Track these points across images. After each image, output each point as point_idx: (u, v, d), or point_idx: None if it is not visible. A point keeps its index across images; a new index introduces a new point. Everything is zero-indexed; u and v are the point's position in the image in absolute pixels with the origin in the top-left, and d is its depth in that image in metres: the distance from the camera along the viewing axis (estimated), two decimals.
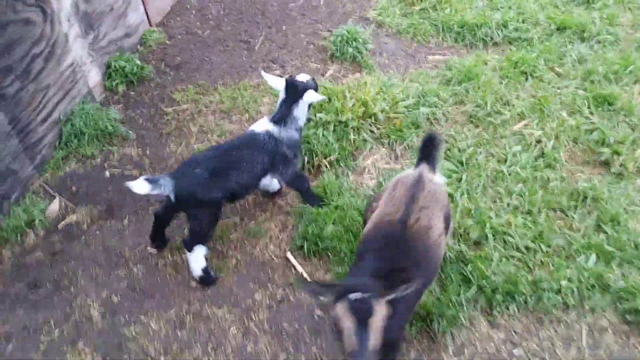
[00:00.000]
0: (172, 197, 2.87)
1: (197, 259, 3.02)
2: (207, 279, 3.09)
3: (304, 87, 3.19)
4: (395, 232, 2.38)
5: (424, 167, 2.66)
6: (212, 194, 2.90)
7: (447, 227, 2.67)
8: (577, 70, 4.45)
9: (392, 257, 2.33)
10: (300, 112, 3.21)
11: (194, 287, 3.12)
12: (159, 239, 3.22)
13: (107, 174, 3.77)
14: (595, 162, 3.73)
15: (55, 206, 3.54)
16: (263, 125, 3.17)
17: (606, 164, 3.69)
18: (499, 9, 5.14)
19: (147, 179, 2.76)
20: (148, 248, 3.30)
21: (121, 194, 3.64)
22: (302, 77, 3.26)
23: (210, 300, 3.06)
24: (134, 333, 2.92)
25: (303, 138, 3.59)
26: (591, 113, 4.02)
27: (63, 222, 3.46)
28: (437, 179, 2.71)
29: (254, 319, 2.98)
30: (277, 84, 3.27)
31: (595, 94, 4.12)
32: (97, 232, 3.42)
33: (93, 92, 4.23)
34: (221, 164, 2.95)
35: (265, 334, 2.92)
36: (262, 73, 3.40)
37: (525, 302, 2.97)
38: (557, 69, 4.49)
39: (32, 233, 3.39)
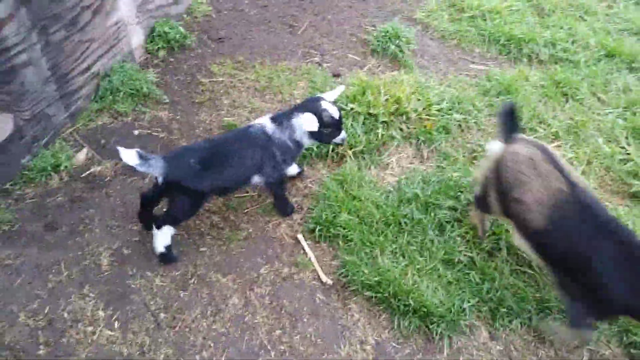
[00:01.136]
0: (160, 179, 2.87)
1: (163, 237, 3.00)
2: (167, 258, 3.06)
3: (309, 109, 3.05)
4: (583, 199, 2.51)
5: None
6: (200, 185, 2.89)
7: None
8: (620, 99, 4.35)
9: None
10: (298, 125, 3.08)
11: (202, 251, 3.17)
12: (145, 218, 3.16)
13: (136, 132, 3.84)
14: (625, 193, 3.64)
15: (82, 155, 3.63)
16: (262, 119, 3.14)
17: (635, 196, 3.60)
18: (549, 27, 5.05)
19: (139, 153, 2.73)
20: (164, 209, 3.36)
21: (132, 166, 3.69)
22: (327, 105, 3.08)
23: (217, 267, 3.10)
24: (138, 286, 2.98)
25: None
26: (628, 144, 3.92)
27: (88, 172, 3.54)
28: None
29: (256, 291, 3.00)
30: (328, 95, 3.21)
31: (635, 125, 4.02)
32: (118, 186, 3.49)
33: (134, 53, 4.32)
34: (214, 157, 2.92)
35: (265, 308, 2.94)
36: (340, 87, 3.30)
37: (529, 319, 2.92)
38: (600, 95, 4.40)
39: (56, 177, 3.48)
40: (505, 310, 2.92)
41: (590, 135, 3.99)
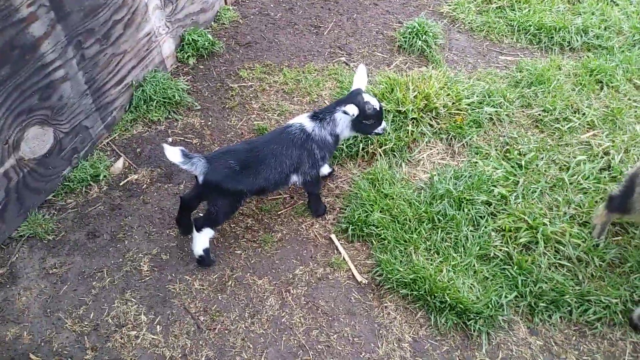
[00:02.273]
0: (200, 179, 2.93)
1: (203, 239, 3.07)
2: (205, 261, 3.13)
3: (352, 100, 3.08)
4: None
5: None
6: (238, 186, 2.94)
7: None
8: None
9: None
10: (340, 118, 3.13)
11: (238, 254, 3.22)
12: (184, 223, 3.24)
13: (170, 139, 3.94)
14: None
15: (119, 164, 3.74)
16: (299, 119, 3.18)
17: None
18: (581, 14, 4.93)
19: (183, 151, 2.81)
20: (200, 214, 3.43)
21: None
22: (369, 98, 3.12)
23: (253, 269, 3.15)
24: (178, 290, 3.06)
25: None
26: None
27: (125, 180, 3.65)
28: None
29: (292, 292, 3.04)
30: (356, 83, 3.23)
31: None
32: (155, 193, 3.59)
33: (165, 62, 4.42)
34: (252, 158, 2.97)
35: (301, 308, 2.97)
36: (361, 66, 3.29)
37: (570, 313, 2.87)
38: (636, 81, 4.26)
39: (96, 187, 3.60)
40: (544, 304, 2.87)
41: (627, 123, 3.87)
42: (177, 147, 2.81)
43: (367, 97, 3.11)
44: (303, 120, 3.15)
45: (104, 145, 3.88)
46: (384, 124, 3.26)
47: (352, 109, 3.00)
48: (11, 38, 2.93)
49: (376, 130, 3.26)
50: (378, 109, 3.13)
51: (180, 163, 2.82)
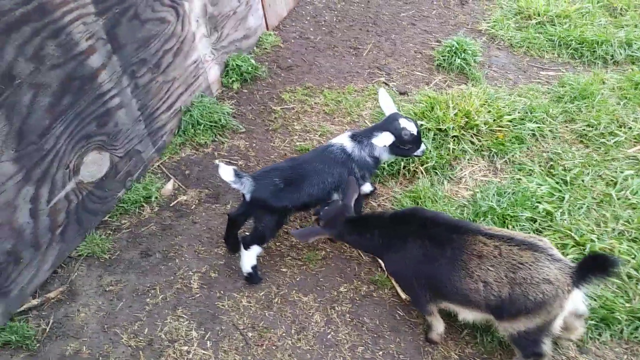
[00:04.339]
0: (248, 197, 3.04)
1: (251, 256, 3.17)
2: (253, 278, 3.23)
3: (388, 127, 3.13)
4: None
5: None
6: (282, 203, 3.04)
7: None
8: None
9: None
10: (377, 144, 3.15)
11: (283, 272, 3.31)
12: (231, 241, 3.36)
13: (216, 161, 4.09)
14: None
15: (169, 186, 3.91)
16: (340, 139, 3.26)
17: None
18: (623, 27, 4.86)
19: (235, 171, 2.94)
20: (246, 233, 3.54)
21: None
22: (406, 123, 3.15)
23: (298, 287, 3.23)
24: (226, 307, 3.16)
25: None
26: None
27: (175, 201, 3.82)
28: None
29: (337, 309, 3.10)
30: (386, 108, 3.29)
31: None
32: (203, 213, 3.73)
33: (211, 87, 4.61)
34: (296, 175, 3.07)
35: (347, 325, 3.02)
36: (381, 90, 3.38)
37: (621, 332, 2.81)
38: None
39: (148, 208, 3.78)
40: (593, 322, 2.82)
41: None
42: (230, 167, 2.95)
43: (403, 123, 3.15)
44: (344, 140, 3.23)
45: (155, 168, 4.07)
46: (423, 146, 3.30)
47: (385, 140, 3.06)
48: (72, 70, 3.15)
49: (415, 153, 3.30)
50: (415, 134, 3.16)
51: (232, 182, 2.96)
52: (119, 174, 3.73)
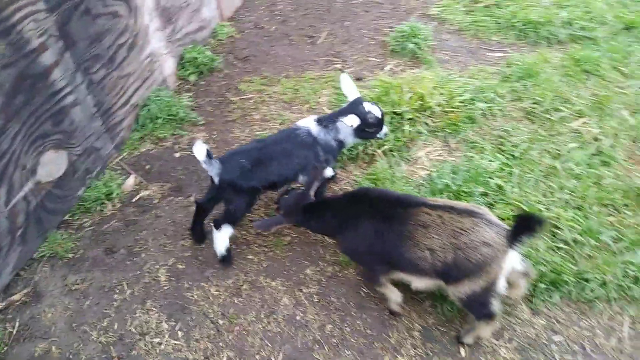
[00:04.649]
0: (216, 180, 3.11)
1: (224, 238, 3.24)
2: (227, 259, 3.32)
3: (354, 110, 3.24)
4: None
5: None
6: (251, 183, 3.12)
7: None
8: None
9: None
10: (343, 127, 3.27)
11: (250, 259, 3.38)
12: (198, 231, 3.43)
13: (177, 155, 4.10)
14: None
15: (130, 182, 3.90)
16: (306, 122, 3.34)
17: None
18: (565, 7, 5.09)
19: (208, 152, 3.00)
20: (210, 224, 3.59)
21: (189, 174, 3.96)
22: (370, 106, 3.27)
23: (265, 272, 3.30)
24: (195, 297, 3.20)
25: None
26: None
27: (137, 196, 3.81)
28: None
29: (304, 291, 3.19)
30: (349, 93, 3.39)
31: None
32: (167, 206, 3.75)
33: (167, 81, 4.60)
34: (262, 156, 3.15)
35: (315, 305, 3.12)
36: (343, 76, 3.47)
37: (569, 293, 3.01)
38: (622, 69, 4.42)
39: (109, 204, 3.76)
40: (544, 285, 3.01)
41: (615, 109, 4.02)
42: (205, 145, 2.99)
43: (368, 106, 3.27)
44: (310, 124, 3.31)
45: (115, 164, 4.05)
46: (385, 129, 3.42)
47: (353, 120, 3.18)
48: (24, 68, 3.11)
49: (378, 135, 3.42)
50: (380, 116, 3.29)
51: (203, 162, 3.01)
52: (78, 172, 3.70)
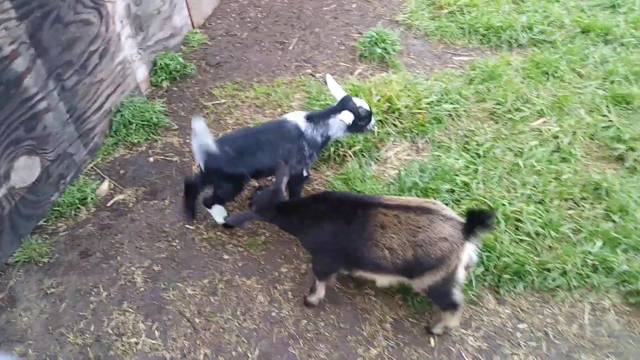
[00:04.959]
0: (203, 167, 3.26)
1: (218, 211, 3.52)
2: (228, 225, 3.58)
3: (346, 107, 3.41)
4: None
5: None
6: (236, 169, 3.25)
7: None
8: (598, 71, 4.60)
9: None
10: (334, 123, 3.42)
11: (226, 259, 3.44)
12: (189, 208, 3.58)
13: (151, 159, 4.15)
14: (611, 158, 3.88)
15: (105, 186, 3.93)
16: (295, 117, 3.46)
17: (621, 159, 3.84)
18: (525, 13, 5.32)
19: (207, 128, 3.14)
20: (186, 225, 3.65)
21: (163, 178, 4.00)
22: (359, 102, 3.46)
23: (241, 271, 3.37)
24: (172, 297, 3.26)
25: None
26: (609, 111, 4.16)
27: (112, 201, 3.85)
28: None
29: (279, 288, 3.27)
30: (336, 93, 3.53)
31: (614, 94, 4.26)
32: (142, 210, 3.79)
33: (140, 87, 4.64)
34: (248, 144, 3.28)
35: (289, 302, 3.20)
36: (328, 77, 3.64)
37: (532, 282, 3.16)
38: (579, 70, 4.64)
39: (84, 209, 3.79)
40: (508, 276, 3.16)
41: (573, 109, 4.23)
42: (203, 121, 3.14)
43: (358, 102, 3.46)
44: (298, 119, 3.42)
45: (89, 169, 4.07)
46: (373, 120, 3.59)
47: (349, 117, 3.36)
48: None
49: (368, 127, 3.58)
50: (369, 109, 3.49)
51: (196, 136, 3.14)
52: (52, 178, 3.72)
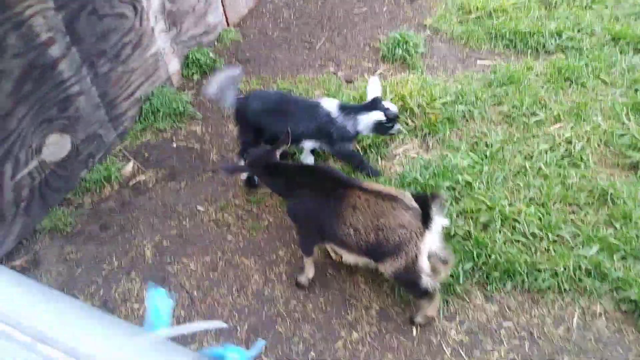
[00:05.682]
0: (232, 110, 3.81)
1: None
2: (248, 183, 3.94)
3: (376, 107, 3.59)
4: None
5: None
6: (261, 125, 3.64)
7: None
8: (624, 79, 4.49)
9: None
10: (363, 119, 3.61)
11: (229, 240, 3.65)
12: (247, 181, 3.98)
13: (174, 145, 4.43)
14: (624, 165, 3.80)
15: (129, 167, 4.24)
16: (329, 103, 3.69)
17: (634, 167, 3.76)
18: (555, 19, 5.26)
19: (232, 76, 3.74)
20: (197, 206, 3.88)
21: (183, 162, 4.27)
22: (388, 104, 3.64)
23: (241, 252, 3.57)
24: (175, 270, 3.49)
25: None
26: (628, 119, 4.07)
27: (134, 180, 4.15)
28: None
29: (274, 270, 3.44)
30: (371, 92, 3.70)
31: (635, 102, 4.16)
32: (159, 190, 4.06)
33: (172, 79, 4.95)
34: (279, 107, 3.63)
35: (282, 283, 3.36)
36: (373, 78, 3.82)
37: (523, 282, 3.17)
38: (604, 77, 4.55)
39: (108, 186, 4.10)
40: (498, 274, 3.18)
41: (591, 115, 4.16)
42: (238, 68, 3.77)
43: (387, 104, 3.63)
44: (331, 105, 3.66)
45: (117, 151, 4.40)
46: (397, 125, 3.74)
47: (380, 116, 3.56)
48: (33, 59, 3.48)
49: (392, 131, 3.74)
50: (396, 113, 3.65)
51: (223, 77, 3.75)
52: (81, 155, 4.05)
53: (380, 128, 3.67)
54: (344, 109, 3.65)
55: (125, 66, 4.33)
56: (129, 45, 4.33)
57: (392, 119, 3.62)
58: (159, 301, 1.29)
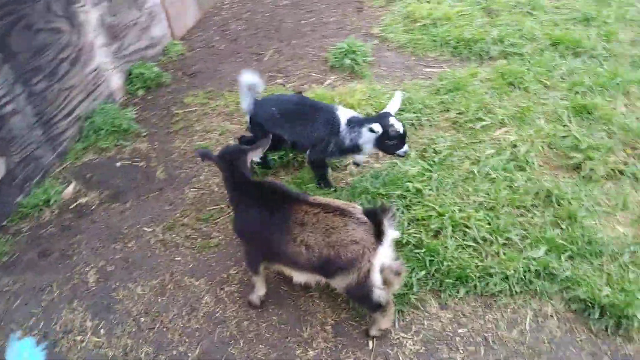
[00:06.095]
0: (248, 117, 3.74)
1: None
2: (264, 165, 4.01)
3: (379, 121, 3.43)
4: None
5: None
6: (275, 130, 3.58)
7: None
8: (564, 82, 4.63)
9: None
10: (365, 133, 3.47)
11: (178, 260, 3.51)
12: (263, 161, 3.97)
13: (118, 164, 4.26)
14: (568, 166, 3.89)
15: (70, 189, 4.04)
16: (344, 113, 3.61)
17: (577, 168, 3.85)
18: (498, 26, 5.39)
19: (252, 84, 3.61)
20: (143, 227, 3.73)
21: (128, 182, 4.11)
22: (394, 121, 3.45)
23: (190, 272, 3.44)
24: (121, 296, 3.32)
25: None
26: (570, 121, 4.18)
27: (75, 203, 3.95)
28: None
29: (226, 290, 3.32)
30: (390, 106, 3.59)
31: (576, 104, 4.28)
32: (103, 212, 3.88)
33: (114, 95, 4.78)
34: (296, 112, 3.60)
35: (234, 303, 3.25)
36: (397, 92, 3.70)
37: (475, 287, 3.17)
38: (545, 81, 4.68)
39: (48, 211, 3.90)
40: (451, 281, 3.17)
41: (534, 119, 4.26)
42: (255, 77, 3.64)
43: (392, 121, 3.46)
44: (344, 117, 3.58)
45: (57, 173, 4.19)
46: (406, 147, 3.56)
47: (377, 127, 3.38)
48: None
49: (398, 152, 3.58)
50: (401, 132, 3.47)
51: (246, 86, 3.64)
52: (17, 179, 3.84)
53: (383, 145, 3.53)
54: (351, 122, 3.56)
55: (63, 83, 4.15)
56: (66, 61, 4.15)
57: (394, 137, 3.46)
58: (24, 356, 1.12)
